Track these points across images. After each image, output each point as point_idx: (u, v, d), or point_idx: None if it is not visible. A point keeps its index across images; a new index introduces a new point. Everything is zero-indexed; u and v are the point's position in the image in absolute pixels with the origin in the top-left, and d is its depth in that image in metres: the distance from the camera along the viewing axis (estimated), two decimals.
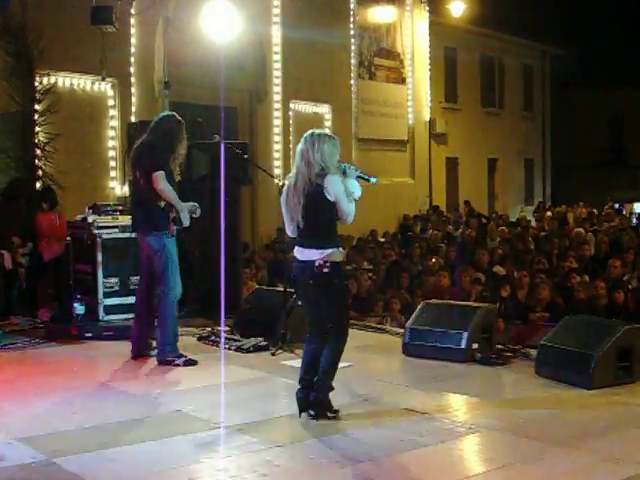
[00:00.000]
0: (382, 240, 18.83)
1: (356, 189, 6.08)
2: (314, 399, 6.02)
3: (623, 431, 5.90)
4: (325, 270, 5.94)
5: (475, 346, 8.00)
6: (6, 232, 10.49)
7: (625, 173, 33.53)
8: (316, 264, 5.95)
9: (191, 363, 7.89)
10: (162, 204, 7.77)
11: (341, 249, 6.08)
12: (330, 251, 5.95)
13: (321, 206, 5.94)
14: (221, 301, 8.41)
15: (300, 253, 6.07)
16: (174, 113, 8.23)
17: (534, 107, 30.30)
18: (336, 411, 6.07)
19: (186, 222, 7.93)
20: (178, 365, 7.83)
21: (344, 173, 6.09)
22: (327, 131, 6.29)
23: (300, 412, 6.06)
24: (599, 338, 7.05)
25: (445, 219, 21.44)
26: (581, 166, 32.56)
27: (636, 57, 31.50)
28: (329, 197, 5.91)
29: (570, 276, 12.74)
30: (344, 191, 5.94)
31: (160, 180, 7.72)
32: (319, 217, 5.99)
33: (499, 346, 8.37)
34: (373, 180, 6.29)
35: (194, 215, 8.02)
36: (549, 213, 23.55)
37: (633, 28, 31.80)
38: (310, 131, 6.10)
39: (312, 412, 6.03)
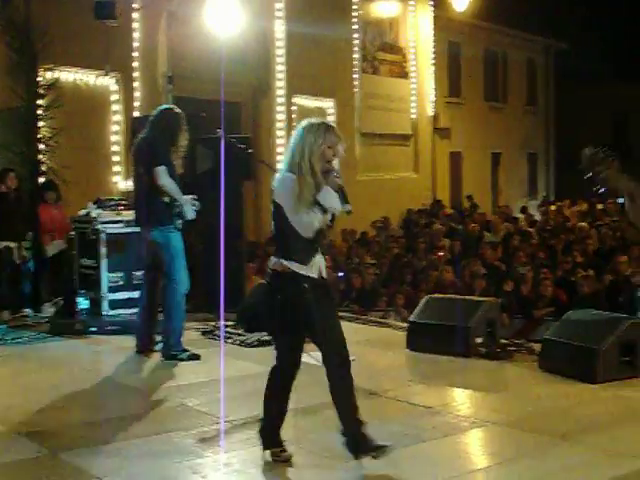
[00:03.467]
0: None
1: (329, 201, 4.87)
2: None
3: (627, 425, 5.91)
4: (266, 279, 5.21)
5: (479, 340, 8.00)
6: (11, 224, 10.46)
7: (628, 168, 33.36)
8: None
9: (195, 358, 7.90)
10: (166, 199, 7.77)
11: (286, 261, 4.91)
12: (274, 260, 5.03)
13: (273, 209, 5.01)
14: (221, 296, 8.42)
15: None
16: (173, 106, 8.22)
17: (538, 101, 30.25)
18: None
19: (190, 215, 7.93)
20: (182, 359, 7.84)
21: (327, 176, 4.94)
22: (314, 119, 5.02)
23: None
24: (603, 332, 7.05)
25: (448, 214, 21.41)
26: None
27: None
28: (275, 199, 4.97)
29: (575, 270, 12.75)
30: (295, 196, 4.80)
31: (161, 175, 7.70)
32: (274, 222, 5.05)
33: (503, 340, 8.37)
34: (347, 207, 4.93)
35: (194, 208, 8.00)
36: (553, 207, 23.49)
37: (638, 24, 31.68)
38: None
39: None
